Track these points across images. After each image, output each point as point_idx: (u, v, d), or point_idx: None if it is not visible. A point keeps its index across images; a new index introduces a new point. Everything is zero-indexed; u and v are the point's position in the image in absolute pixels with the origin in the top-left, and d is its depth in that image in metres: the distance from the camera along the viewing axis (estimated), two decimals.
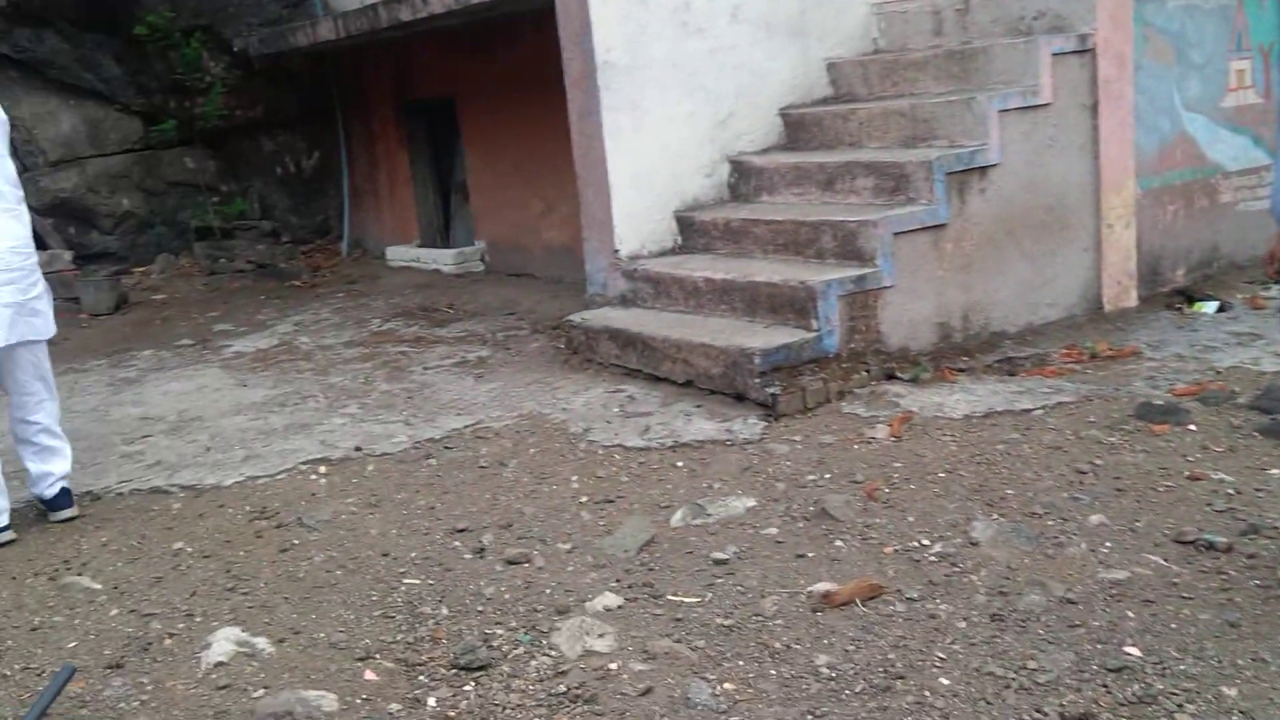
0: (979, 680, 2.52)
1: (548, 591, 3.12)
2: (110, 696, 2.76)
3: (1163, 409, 4.00)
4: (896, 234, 4.70)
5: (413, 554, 3.45)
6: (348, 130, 9.69)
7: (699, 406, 4.55)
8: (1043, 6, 5.30)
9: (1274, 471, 3.50)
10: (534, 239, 7.74)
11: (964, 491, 3.54)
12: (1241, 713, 2.33)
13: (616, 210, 5.50)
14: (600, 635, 2.84)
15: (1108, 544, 3.12)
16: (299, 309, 7.56)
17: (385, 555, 3.45)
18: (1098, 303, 5.37)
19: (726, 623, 2.87)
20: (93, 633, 3.11)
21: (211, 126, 8.99)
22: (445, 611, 3.06)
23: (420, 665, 2.79)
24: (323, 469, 4.27)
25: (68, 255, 8.39)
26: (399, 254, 8.96)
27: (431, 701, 2.63)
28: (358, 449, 4.44)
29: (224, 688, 2.76)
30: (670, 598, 3.04)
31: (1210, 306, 5.36)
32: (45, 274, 3.96)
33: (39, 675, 2.90)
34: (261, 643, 2.96)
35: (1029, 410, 4.18)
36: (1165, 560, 3.01)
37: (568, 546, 3.41)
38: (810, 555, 3.22)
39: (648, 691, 2.59)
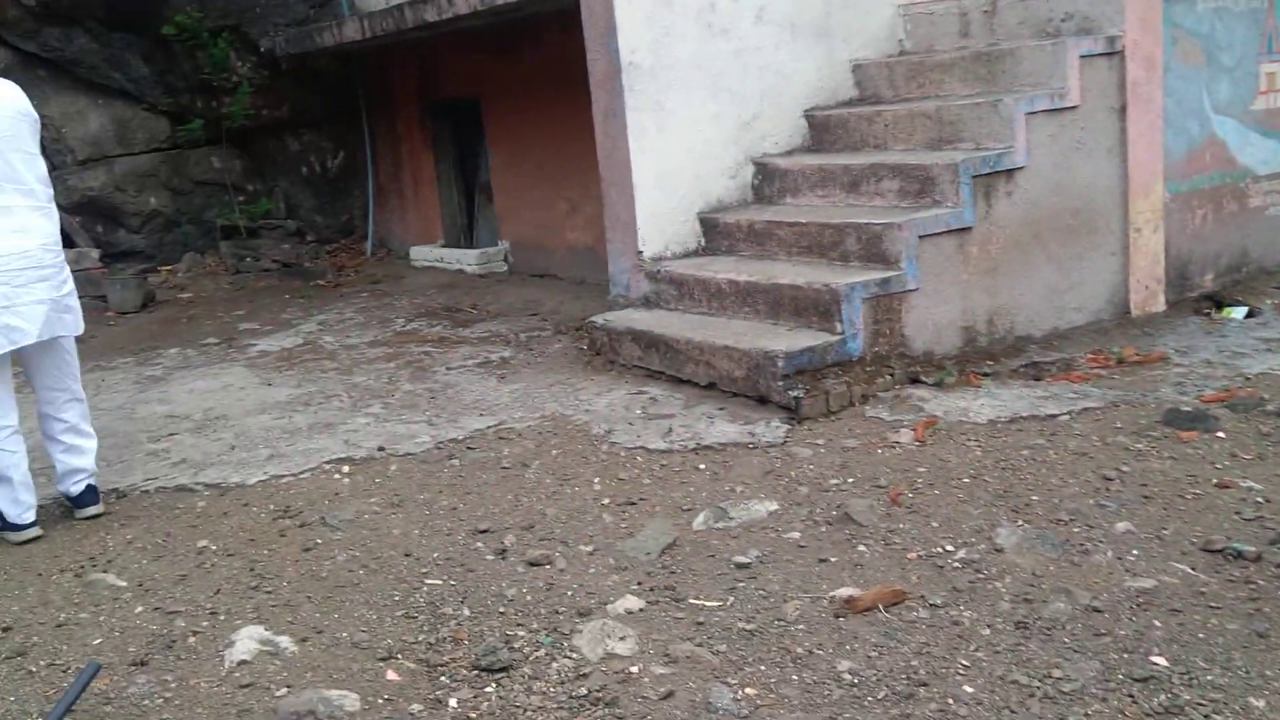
0: (1003, 688, 2.50)
1: (569, 593, 3.12)
2: (135, 694, 2.78)
3: (1190, 415, 3.96)
4: (921, 237, 4.68)
5: (435, 554, 3.45)
6: (373, 130, 9.73)
7: (722, 409, 4.54)
8: (1071, 8, 5.27)
9: None
10: (557, 240, 7.75)
11: (988, 497, 3.51)
12: None
13: (640, 211, 5.50)
14: (622, 638, 2.84)
15: (1134, 552, 3.09)
16: (323, 308, 7.59)
17: (408, 555, 3.46)
18: (1124, 307, 5.33)
19: (748, 627, 2.86)
20: (118, 630, 3.13)
21: (238, 126, 9.05)
22: (467, 612, 3.06)
23: (442, 666, 2.80)
24: (346, 468, 4.28)
25: (95, 253, 8.46)
26: (423, 254, 8.99)
27: (453, 702, 2.63)
28: (381, 449, 4.46)
29: (247, 686, 2.77)
30: (692, 601, 3.03)
31: (1239, 312, 5.31)
32: (73, 272, 3.99)
33: (65, 671, 2.92)
34: (284, 641, 2.98)
35: (1055, 416, 4.15)
36: (1193, 569, 2.98)
37: (589, 548, 3.41)
38: (833, 560, 3.20)
39: (669, 695, 2.58)
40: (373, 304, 7.61)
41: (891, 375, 4.59)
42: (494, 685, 2.68)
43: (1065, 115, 5.01)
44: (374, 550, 3.52)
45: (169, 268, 9.00)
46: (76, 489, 3.99)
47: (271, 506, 3.96)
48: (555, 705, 2.58)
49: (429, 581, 3.27)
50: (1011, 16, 5.53)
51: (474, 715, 2.57)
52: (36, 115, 3.88)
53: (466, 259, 8.47)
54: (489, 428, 4.61)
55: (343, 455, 4.42)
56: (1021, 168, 4.90)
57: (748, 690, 2.58)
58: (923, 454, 3.90)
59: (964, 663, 2.62)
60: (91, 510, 3.99)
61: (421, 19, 7.18)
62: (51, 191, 3.90)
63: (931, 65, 5.62)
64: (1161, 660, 2.56)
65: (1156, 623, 2.72)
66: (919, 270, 4.68)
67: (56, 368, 3.94)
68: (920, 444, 3.99)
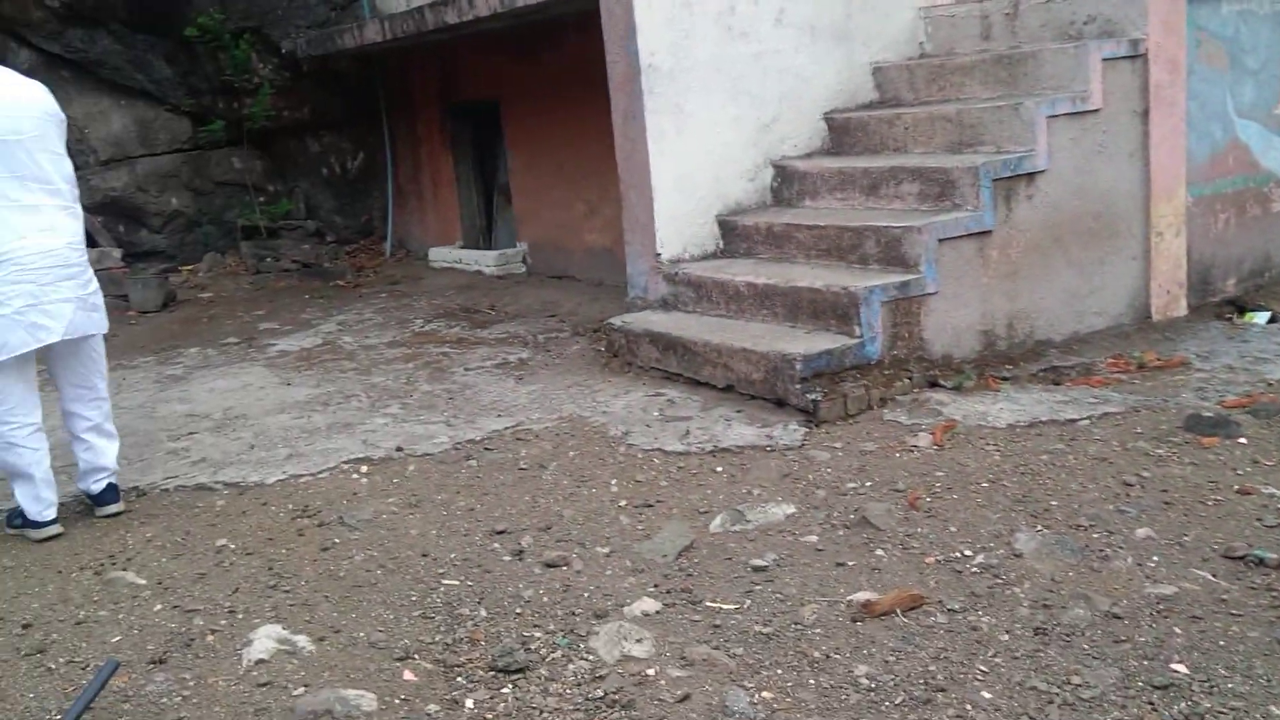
0: (1021, 695, 2.49)
1: (586, 595, 3.12)
2: (153, 692, 2.79)
3: (1212, 421, 3.93)
4: (941, 240, 4.66)
5: (452, 555, 3.46)
6: (393, 132, 9.77)
7: (739, 411, 4.53)
8: (1093, 11, 5.23)
9: None
10: (576, 241, 7.76)
11: (1007, 502, 3.50)
12: None
13: (659, 213, 5.49)
14: (638, 640, 2.83)
15: (1155, 558, 3.07)
16: (342, 308, 7.63)
17: (425, 555, 3.47)
18: (1146, 312, 5.30)
19: (765, 630, 2.85)
20: (136, 628, 3.15)
21: (259, 127, 9.10)
22: (484, 613, 3.06)
23: (458, 666, 2.80)
24: (364, 468, 4.30)
25: (117, 253, 8.52)
26: (441, 255, 9.02)
27: (469, 703, 2.63)
28: (399, 449, 4.47)
29: (265, 685, 2.78)
30: (708, 604, 3.02)
31: (1262, 317, 5.27)
32: (95, 271, 4.02)
33: (84, 669, 2.94)
34: (302, 640, 2.99)
35: (1074, 420, 4.13)
36: (1213, 576, 2.95)
37: (606, 550, 3.41)
38: (850, 564, 3.19)
39: (685, 698, 2.57)
40: (391, 304, 7.64)
41: (910, 379, 4.57)
42: (510, 686, 2.68)
43: (1087, 118, 4.99)
44: (391, 550, 3.53)
45: (190, 267, 9.05)
46: (97, 487, 4.01)
47: (290, 506, 3.98)
48: (571, 707, 2.58)
49: (446, 582, 3.28)
50: (1033, 19, 5.50)
51: (490, 716, 2.57)
52: (64, 116, 3.92)
53: (485, 260, 8.49)
54: (506, 429, 4.61)
55: (361, 455, 4.43)
56: (1042, 171, 4.88)
57: (764, 694, 2.57)
58: (941, 458, 3.88)
59: (982, 668, 2.60)
60: (112, 508, 4.02)
61: (442, 21, 7.20)
62: (77, 191, 3.93)
63: (952, 68, 5.60)
64: (1182, 667, 2.54)
65: (1177, 630, 2.70)
66: (938, 274, 4.67)
67: (83, 365, 3.96)
68: (939, 448, 3.97)
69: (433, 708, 2.63)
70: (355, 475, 4.24)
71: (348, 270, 8.97)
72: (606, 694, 2.60)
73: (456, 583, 3.27)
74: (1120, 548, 3.14)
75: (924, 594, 2.95)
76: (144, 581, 3.45)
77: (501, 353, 5.97)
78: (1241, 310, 5.37)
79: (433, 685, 2.73)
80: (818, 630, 2.84)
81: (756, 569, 3.19)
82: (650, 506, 3.71)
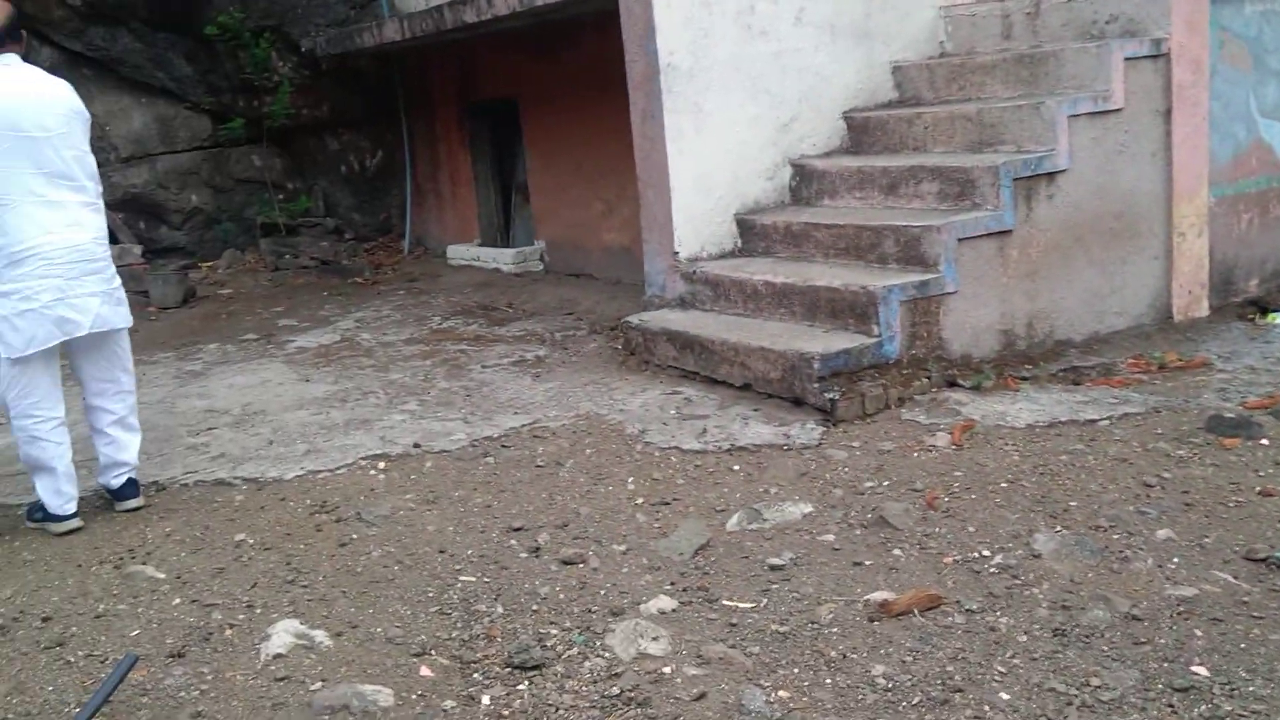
0: (1040, 696, 2.47)
1: (602, 592, 3.12)
2: (171, 685, 2.81)
3: (1234, 422, 3.90)
4: (961, 240, 4.64)
5: (469, 551, 3.46)
6: (411, 130, 9.79)
7: (756, 410, 4.52)
8: (1115, 10, 5.20)
9: None
10: (593, 240, 7.76)
11: (1026, 502, 3.48)
12: None
13: (677, 212, 5.49)
14: (654, 638, 2.83)
15: (1175, 560, 3.05)
16: (361, 305, 7.65)
17: (442, 552, 3.48)
18: (1167, 312, 5.26)
19: (782, 629, 2.85)
20: (155, 621, 3.16)
21: (279, 125, 9.13)
22: (500, 610, 3.07)
23: (475, 663, 2.80)
24: (382, 465, 4.31)
25: (137, 249, 8.57)
26: (459, 253, 9.03)
27: (486, 700, 2.63)
28: (416, 446, 4.48)
29: (282, 679, 2.79)
30: (725, 602, 3.02)
31: None
32: (116, 267, 4.05)
33: (103, 662, 2.95)
34: (320, 635, 3.00)
35: (1094, 421, 4.10)
36: (1234, 578, 2.93)
37: (623, 548, 3.41)
38: (868, 563, 3.18)
39: (701, 697, 2.57)
40: (409, 302, 7.66)
41: (928, 378, 4.55)
42: (526, 683, 2.68)
43: (1109, 118, 4.96)
44: (409, 546, 3.54)
45: (209, 264, 9.10)
46: (117, 482, 4.04)
47: (308, 501, 3.99)
48: (587, 704, 2.57)
49: (463, 578, 3.28)
50: (1055, 18, 5.47)
51: (506, 713, 2.58)
52: (88, 113, 3.96)
53: (503, 258, 8.50)
54: (524, 426, 4.62)
55: (379, 451, 4.44)
56: (1063, 171, 4.85)
57: (781, 693, 2.57)
58: (959, 458, 3.87)
59: (1000, 669, 2.59)
60: (132, 503, 4.04)
61: (461, 20, 7.21)
62: (100, 188, 3.98)
63: (973, 67, 5.57)
64: (1202, 670, 2.52)
65: (1197, 632, 2.68)
66: (958, 273, 4.65)
67: (107, 360, 4.00)
68: (957, 448, 3.95)
69: (449, 704, 2.63)
70: (373, 471, 4.25)
71: (366, 267, 8.99)
72: (622, 691, 2.60)
73: (473, 579, 3.27)
74: (1140, 549, 3.12)
75: (942, 594, 2.94)
76: (163, 576, 3.47)
77: (519, 350, 5.97)
78: (1264, 311, 5.33)
79: (449, 681, 2.74)
80: (834, 630, 2.83)
81: (773, 568, 3.19)
82: (667, 504, 3.71)
